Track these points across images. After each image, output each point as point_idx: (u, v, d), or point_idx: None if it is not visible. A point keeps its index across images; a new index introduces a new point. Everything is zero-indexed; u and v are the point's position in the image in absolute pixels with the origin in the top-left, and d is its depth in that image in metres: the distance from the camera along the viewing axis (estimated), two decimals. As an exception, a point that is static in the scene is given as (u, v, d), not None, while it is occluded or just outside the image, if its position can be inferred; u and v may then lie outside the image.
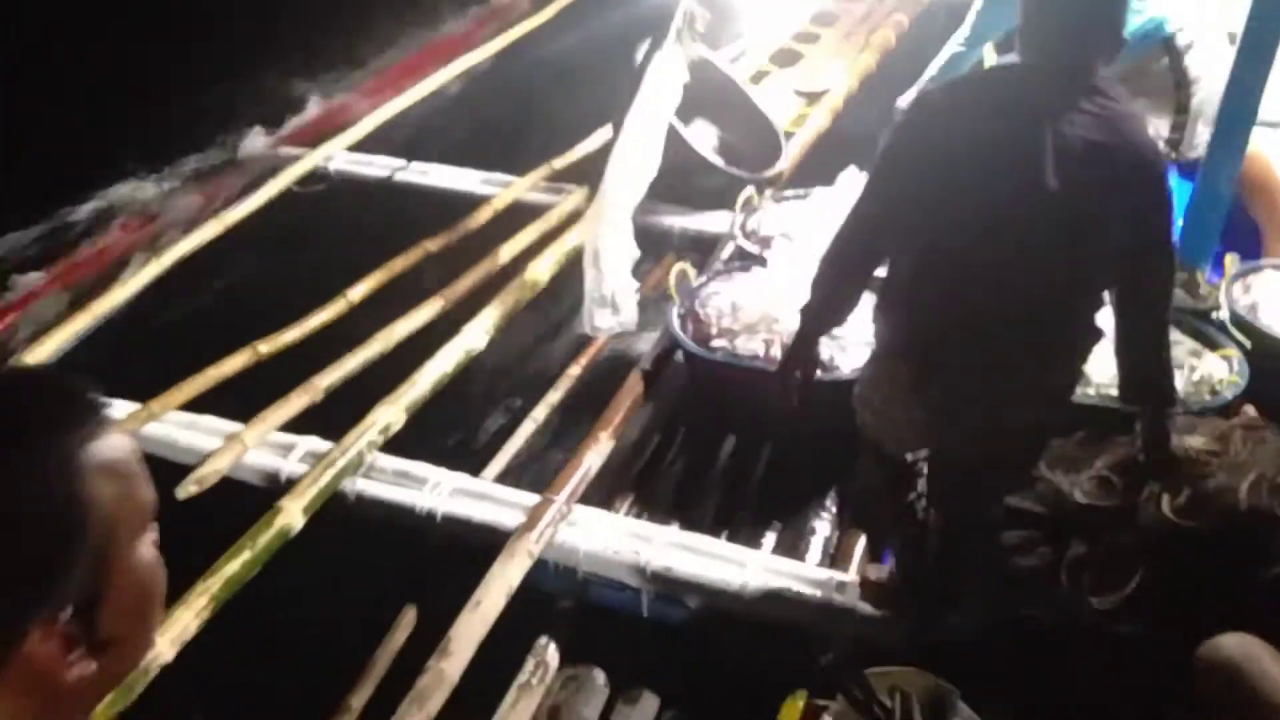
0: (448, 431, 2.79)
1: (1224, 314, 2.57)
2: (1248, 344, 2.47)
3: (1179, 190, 3.42)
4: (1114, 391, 2.36)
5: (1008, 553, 1.98)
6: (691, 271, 2.88)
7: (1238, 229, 3.18)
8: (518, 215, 3.41)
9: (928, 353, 1.77)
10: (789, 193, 3.24)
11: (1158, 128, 3.13)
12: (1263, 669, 1.48)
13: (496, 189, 3.56)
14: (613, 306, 2.81)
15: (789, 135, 3.68)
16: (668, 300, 2.78)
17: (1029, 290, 1.71)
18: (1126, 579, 1.81)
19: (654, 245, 3.27)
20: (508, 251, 3.19)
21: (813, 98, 3.97)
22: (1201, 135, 3.01)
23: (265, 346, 2.77)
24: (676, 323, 2.67)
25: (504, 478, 2.56)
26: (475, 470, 2.53)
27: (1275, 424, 2.16)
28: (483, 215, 3.42)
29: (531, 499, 2.29)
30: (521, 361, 2.94)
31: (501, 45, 4.64)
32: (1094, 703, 1.56)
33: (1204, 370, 2.38)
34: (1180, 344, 2.46)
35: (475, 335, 2.79)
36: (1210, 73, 2.99)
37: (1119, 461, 2.01)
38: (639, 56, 3.19)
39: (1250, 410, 2.22)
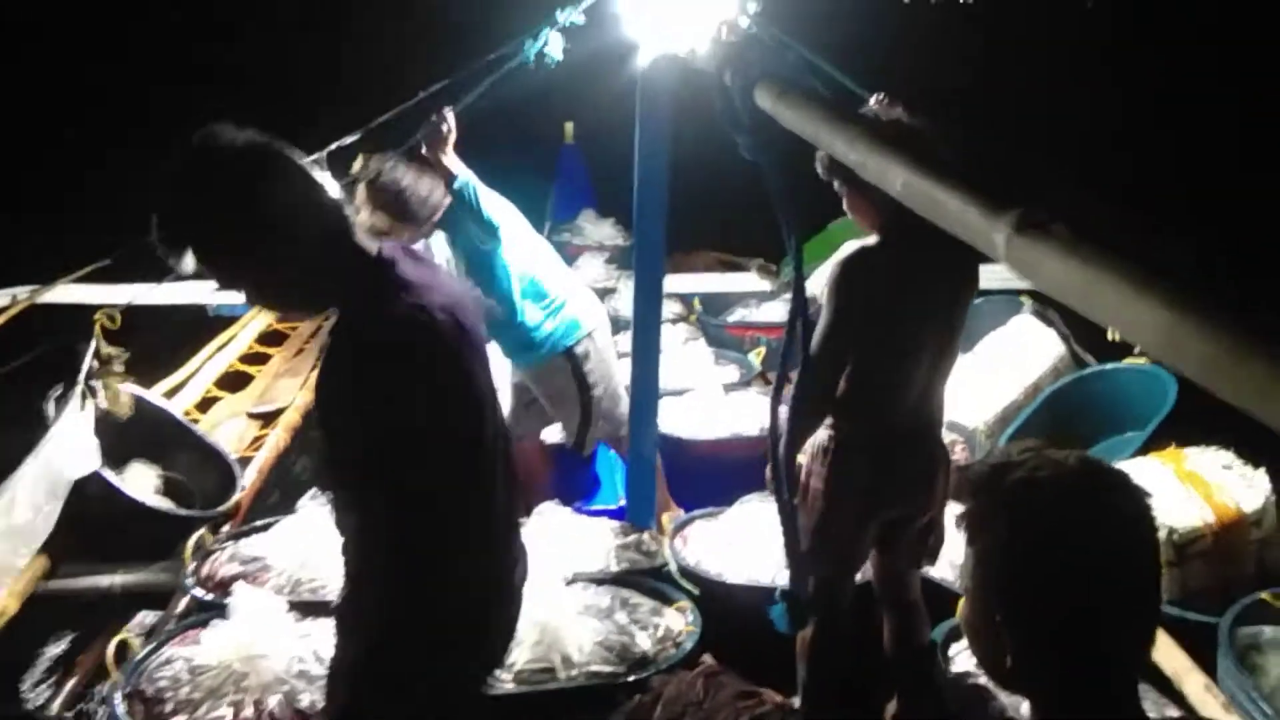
0: None
1: (671, 567, 2.85)
2: (695, 591, 2.74)
3: (613, 465, 3.87)
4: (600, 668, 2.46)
5: None
6: (136, 641, 2.50)
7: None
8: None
9: None
10: (250, 526, 3.03)
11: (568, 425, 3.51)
12: None
13: None
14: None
15: (245, 461, 3.50)
16: (108, 684, 2.36)
17: None
18: None
19: (91, 615, 2.81)
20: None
21: (268, 418, 3.86)
22: (603, 429, 3.42)
23: None
24: (121, 710, 2.26)
25: None
26: None
27: (728, 665, 2.39)
28: None
29: None
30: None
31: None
32: None
33: (665, 625, 2.57)
34: (641, 605, 2.65)
35: None
36: (608, 374, 3.43)
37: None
38: (49, 408, 2.85)
39: (708, 658, 2.42)
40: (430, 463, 1.52)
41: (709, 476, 3.48)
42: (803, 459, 2.34)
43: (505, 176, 3.48)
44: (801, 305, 1.77)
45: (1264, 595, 2.53)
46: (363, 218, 3.07)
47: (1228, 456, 2.86)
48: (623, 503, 3.44)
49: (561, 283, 3.44)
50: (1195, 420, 3.32)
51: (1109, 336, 3.28)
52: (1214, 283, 0.62)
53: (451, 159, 3.08)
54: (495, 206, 3.21)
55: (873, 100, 2.52)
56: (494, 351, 4.08)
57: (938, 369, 2.35)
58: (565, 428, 3.49)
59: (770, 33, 2.95)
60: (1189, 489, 2.75)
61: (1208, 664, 2.45)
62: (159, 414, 3.43)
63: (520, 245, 3.34)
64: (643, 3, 2.73)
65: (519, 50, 2.70)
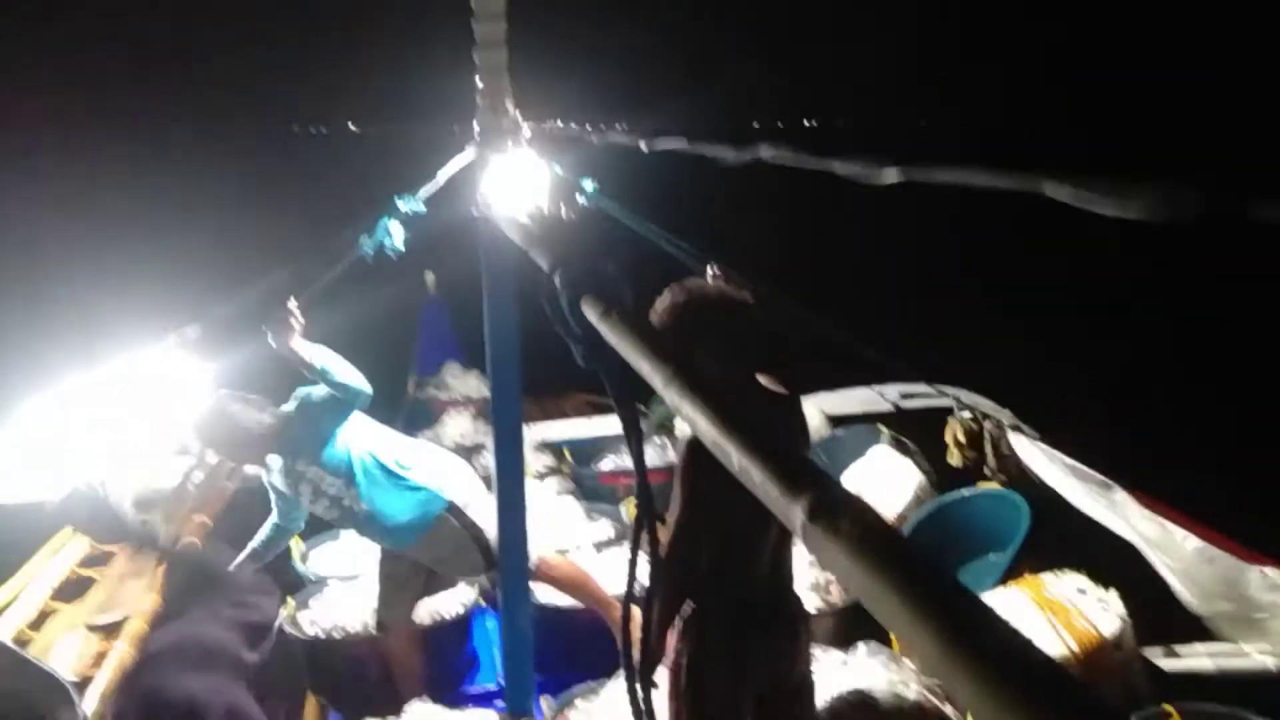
0: None
1: (554, 758, 2.72)
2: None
3: (490, 640, 3.74)
4: None
5: None
6: None
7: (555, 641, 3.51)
8: None
9: None
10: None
11: (475, 578, 3.43)
12: None
13: None
14: None
15: (84, 683, 3.20)
16: None
17: None
18: None
19: None
20: None
21: (111, 630, 3.56)
22: None
23: None
24: None
25: None
26: None
27: None
28: None
29: None
30: None
31: None
32: None
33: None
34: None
35: None
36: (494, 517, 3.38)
37: None
38: None
39: None
40: None
41: (588, 646, 3.38)
42: (669, 638, 2.31)
43: (365, 333, 3.44)
44: (647, 512, 1.75)
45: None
46: (208, 456, 3.44)
47: (1082, 580, 2.97)
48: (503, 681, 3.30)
49: (418, 453, 3.44)
50: (1051, 535, 3.46)
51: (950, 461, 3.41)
52: (990, 615, 0.63)
53: (300, 344, 3.06)
54: (354, 375, 3.22)
55: (708, 271, 2.60)
56: (350, 545, 3.97)
57: (787, 531, 2.37)
58: (474, 582, 3.40)
59: (609, 208, 3.04)
60: (1050, 616, 2.83)
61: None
62: (-18, 642, 3.12)
63: (369, 430, 3.38)
64: (481, 176, 2.78)
65: (358, 240, 2.68)
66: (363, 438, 3.36)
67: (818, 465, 0.89)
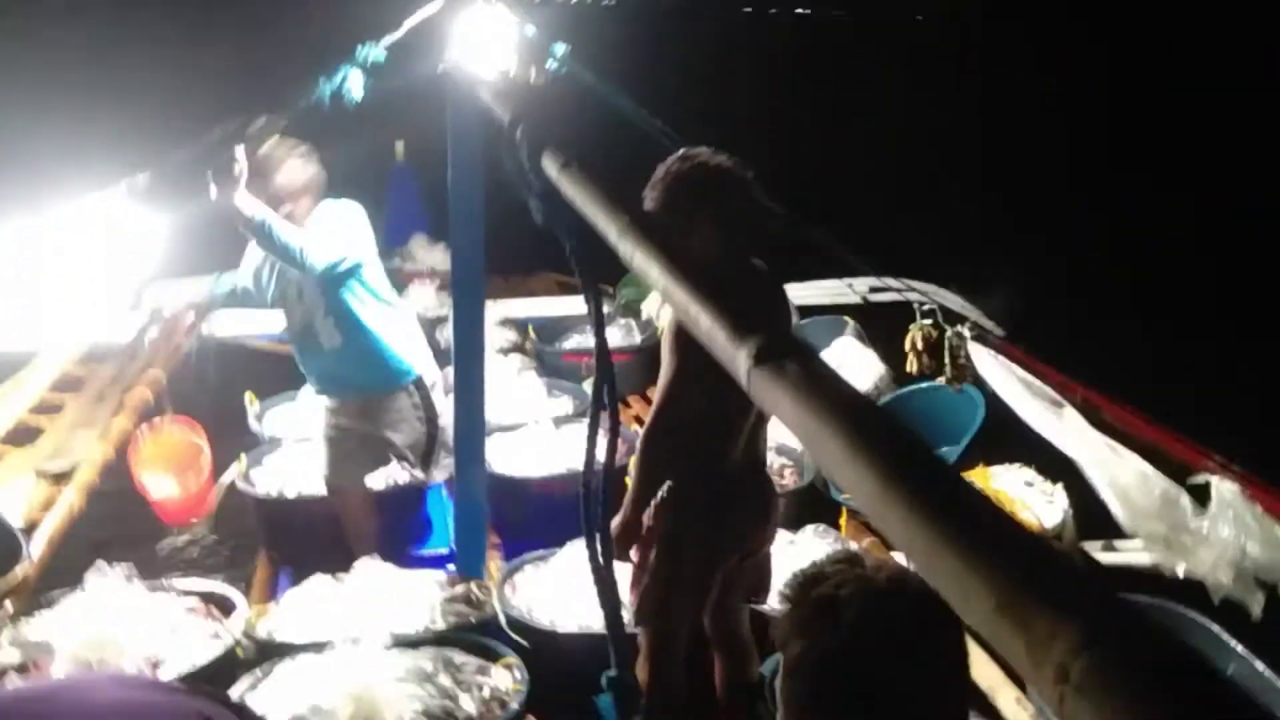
0: None
1: (501, 619, 2.76)
2: (527, 644, 2.67)
3: (445, 507, 3.77)
4: None
5: None
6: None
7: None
8: None
9: None
10: (34, 604, 2.77)
11: (414, 449, 3.42)
12: None
13: None
14: None
15: (32, 528, 3.20)
16: None
17: None
18: None
19: None
20: None
21: (61, 477, 3.54)
22: (445, 460, 3.34)
23: None
24: None
25: None
26: None
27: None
28: None
29: None
30: None
31: None
32: None
33: (492, 685, 2.49)
34: (467, 664, 2.55)
35: None
36: (449, 407, 3.35)
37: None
38: None
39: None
40: None
41: (541, 516, 3.41)
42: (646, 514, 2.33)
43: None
44: (608, 381, 1.72)
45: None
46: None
47: (1029, 473, 3.02)
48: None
49: (406, 315, 3.42)
50: (1004, 434, 3.51)
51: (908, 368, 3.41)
52: (928, 453, 0.61)
53: (244, 198, 2.91)
54: (307, 242, 3.07)
55: (680, 152, 2.51)
56: (306, 405, 3.91)
57: (764, 415, 2.38)
58: (411, 452, 3.38)
59: (580, 74, 2.92)
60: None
61: (1019, 676, 2.57)
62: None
63: (376, 265, 3.30)
64: (449, 33, 2.68)
65: (315, 88, 2.56)
66: (374, 267, 3.28)
67: (766, 312, 0.86)
